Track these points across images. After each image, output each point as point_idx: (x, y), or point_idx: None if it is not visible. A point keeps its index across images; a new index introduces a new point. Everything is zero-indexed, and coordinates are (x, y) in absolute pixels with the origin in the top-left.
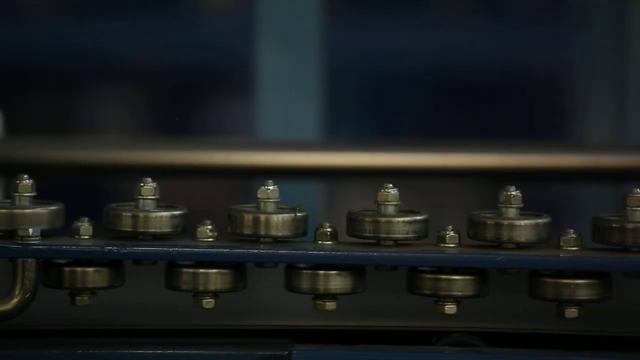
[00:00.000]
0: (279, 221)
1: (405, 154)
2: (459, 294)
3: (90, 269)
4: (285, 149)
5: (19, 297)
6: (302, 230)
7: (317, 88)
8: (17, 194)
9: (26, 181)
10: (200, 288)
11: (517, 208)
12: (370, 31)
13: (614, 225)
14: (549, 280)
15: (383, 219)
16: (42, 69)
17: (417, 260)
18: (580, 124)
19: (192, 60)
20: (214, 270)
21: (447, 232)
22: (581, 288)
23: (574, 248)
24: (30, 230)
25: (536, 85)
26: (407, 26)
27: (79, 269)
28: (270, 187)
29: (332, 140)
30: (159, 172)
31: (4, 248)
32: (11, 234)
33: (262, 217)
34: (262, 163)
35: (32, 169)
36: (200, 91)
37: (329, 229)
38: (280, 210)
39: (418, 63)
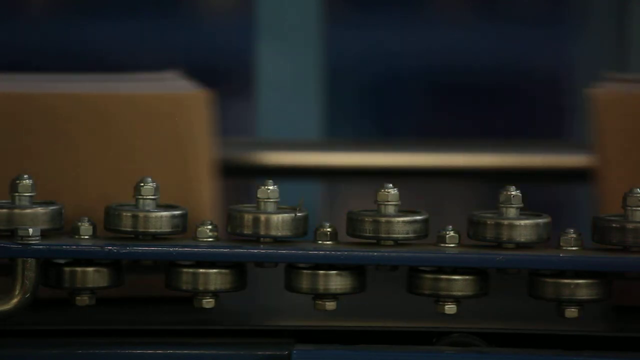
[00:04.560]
0: (279, 221)
1: (405, 154)
2: (459, 294)
3: (90, 269)
4: (285, 149)
5: (19, 297)
6: (302, 230)
7: (317, 88)
8: (17, 194)
9: (26, 181)
10: (200, 288)
11: (517, 208)
12: (370, 31)
13: (614, 225)
14: (549, 280)
15: (383, 219)
16: (42, 68)
17: (417, 260)
18: (580, 124)
19: (192, 60)
20: (214, 270)
21: (447, 232)
22: (581, 288)
23: (574, 248)
24: (30, 230)
25: (536, 85)
26: (407, 26)
27: (79, 269)
28: (270, 187)
29: (332, 140)
30: None
31: (4, 248)
32: (11, 234)
33: (262, 217)
34: (262, 163)
35: None
36: None
37: (329, 229)
38: (280, 210)
39: (418, 63)
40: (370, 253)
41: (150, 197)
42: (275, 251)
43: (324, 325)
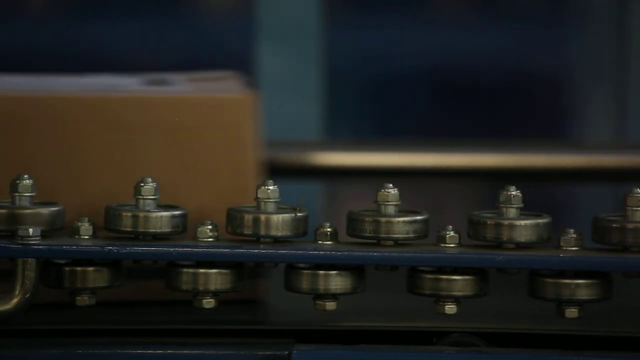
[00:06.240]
0: (279, 221)
1: (405, 154)
2: (459, 294)
3: (90, 269)
4: (285, 149)
5: (19, 297)
6: (302, 230)
7: (317, 88)
8: (17, 194)
9: (26, 181)
10: (200, 288)
11: (517, 208)
12: (370, 31)
13: (614, 225)
14: (549, 280)
15: (383, 219)
16: (42, 68)
17: (417, 260)
18: (580, 124)
19: (192, 60)
20: (214, 270)
21: (447, 232)
22: (581, 288)
23: (574, 248)
24: (31, 230)
25: (536, 85)
26: (407, 26)
27: (79, 268)
28: (270, 187)
29: (332, 140)
30: None
31: (4, 248)
32: (11, 234)
33: (262, 217)
34: (262, 163)
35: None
36: None
37: (329, 229)
38: (280, 210)
39: (418, 63)
40: (370, 253)
41: (150, 197)
42: (275, 251)
43: (324, 325)
